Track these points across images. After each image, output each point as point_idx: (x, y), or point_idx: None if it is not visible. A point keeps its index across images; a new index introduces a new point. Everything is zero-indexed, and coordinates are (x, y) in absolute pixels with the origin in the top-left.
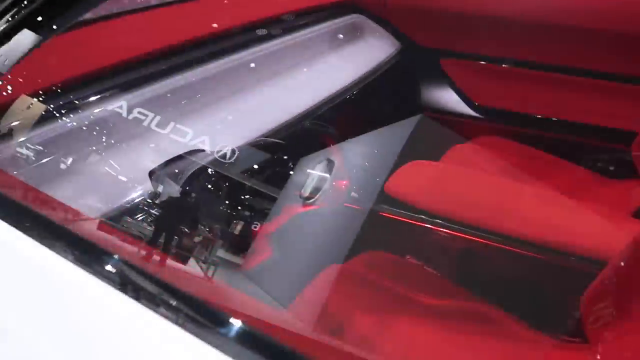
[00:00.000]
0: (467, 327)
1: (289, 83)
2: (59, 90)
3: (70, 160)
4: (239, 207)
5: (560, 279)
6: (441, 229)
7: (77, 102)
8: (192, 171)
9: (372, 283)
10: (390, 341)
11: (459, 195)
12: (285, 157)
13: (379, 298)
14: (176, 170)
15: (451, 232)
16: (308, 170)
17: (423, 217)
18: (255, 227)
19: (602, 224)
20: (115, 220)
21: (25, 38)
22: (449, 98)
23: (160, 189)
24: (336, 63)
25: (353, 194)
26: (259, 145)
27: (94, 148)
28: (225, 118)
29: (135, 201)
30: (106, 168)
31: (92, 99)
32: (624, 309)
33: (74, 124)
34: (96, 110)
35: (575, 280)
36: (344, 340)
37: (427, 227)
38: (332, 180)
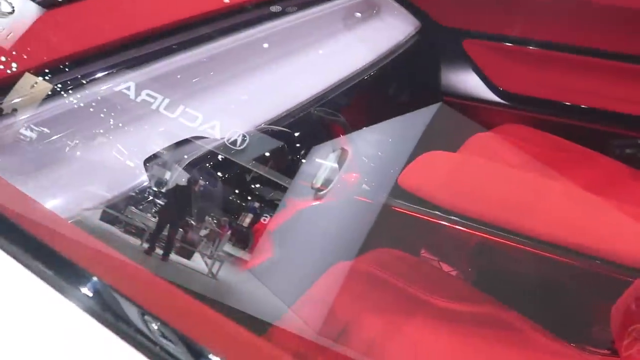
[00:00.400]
0: (485, 334)
1: (302, 64)
2: (63, 67)
3: (74, 142)
4: (249, 198)
5: (588, 285)
6: (458, 227)
7: (82, 80)
8: (200, 158)
9: (383, 282)
10: (400, 346)
11: (478, 190)
12: (297, 145)
13: (390, 299)
14: (184, 157)
15: (469, 230)
16: (320, 160)
17: (439, 213)
18: (265, 220)
19: (636, 226)
20: (119, 209)
21: (28, 10)
22: (471, 82)
23: (167, 176)
24: (351, 43)
25: (364, 186)
26: (270, 132)
27: (100, 131)
28: (237, 99)
29: (141, 189)
30: (113, 152)
31: (99, 75)
32: None
33: (80, 104)
34: (103, 89)
35: (605, 287)
36: (350, 344)
37: (443, 224)
38: (343, 172)
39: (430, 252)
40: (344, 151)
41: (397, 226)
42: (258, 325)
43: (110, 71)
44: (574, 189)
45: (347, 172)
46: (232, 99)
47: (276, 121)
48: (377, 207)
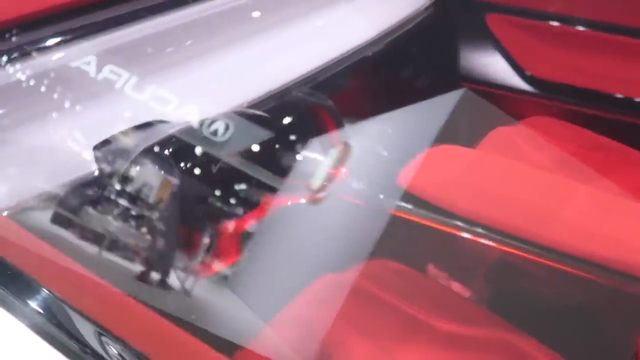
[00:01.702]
0: None
1: (294, 36)
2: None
3: (18, 128)
4: (231, 201)
5: (618, 307)
6: (469, 237)
7: (28, 48)
8: (172, 151)
9: (377, 300)
10: None
11: (497, 194)
12: (292, 139)
13: (384, 320)
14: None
15: (482, 240)
16: (316, 156)
17: (447, 220)
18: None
19: None
20: (73, 210)
21: None
22: (494, 65)
23: (134, 172)
24: (351, 14)
25: (358, 184)
26: (257, 119)
27: (53, 115)
28: (219, 77)
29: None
30: (68, 142)
31: (49, 43)
32: None
33: (31, 82)
34: (54, 59)
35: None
36: None
37: (451, 233)
38: (332, 167)
39: (439, 267)
40: (348, 146)
41: (396, 234)
42: (226, 346)
43: (63, 38)
44: (610, 194)
45: (337, 168)
46: (212, 77)
47: (255, 104)
48: (374, 211)
